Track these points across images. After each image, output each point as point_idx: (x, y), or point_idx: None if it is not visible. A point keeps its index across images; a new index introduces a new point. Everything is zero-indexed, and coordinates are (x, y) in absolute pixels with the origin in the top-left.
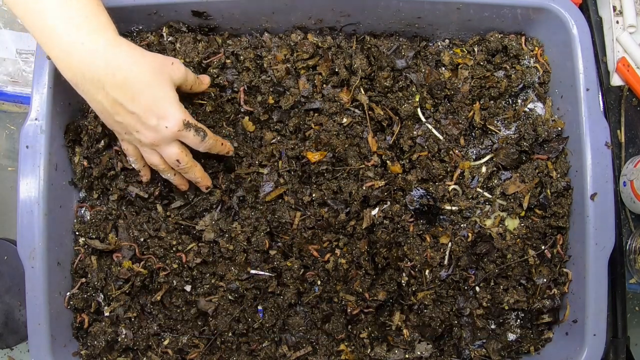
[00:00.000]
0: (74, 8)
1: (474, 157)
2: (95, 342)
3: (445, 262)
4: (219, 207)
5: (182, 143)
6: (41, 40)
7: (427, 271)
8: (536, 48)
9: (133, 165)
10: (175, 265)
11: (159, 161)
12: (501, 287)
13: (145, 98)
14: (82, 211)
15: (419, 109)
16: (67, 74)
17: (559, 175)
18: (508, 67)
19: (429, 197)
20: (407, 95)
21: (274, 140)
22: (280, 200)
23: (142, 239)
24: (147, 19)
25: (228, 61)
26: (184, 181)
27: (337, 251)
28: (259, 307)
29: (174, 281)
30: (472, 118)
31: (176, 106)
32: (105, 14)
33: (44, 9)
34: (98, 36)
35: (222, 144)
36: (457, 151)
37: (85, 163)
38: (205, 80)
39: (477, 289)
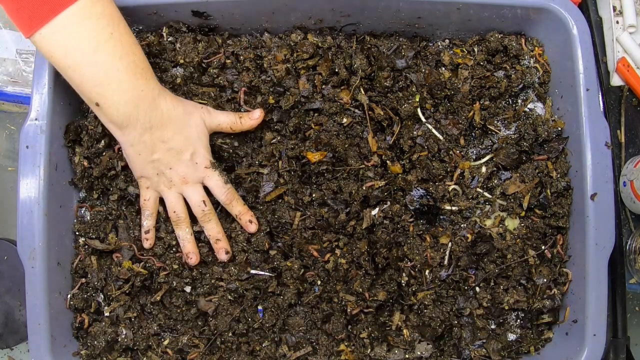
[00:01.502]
0: (136, 57)
1: (474, 157)
2: (95, 342)
3: (445, 262)
4: (219, 207)
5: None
6: (96, 90)
7: (427, 271)
8: (536, 48)
9: (143, 224)
10: (175, 266)
11: (182, 208)
12: (501, 287)
13: (184, 135)
14: (82, 211)
15: (419, 109)
16: (119, 118)
17: (559, 175)
18: (508, 67)
19: (429, 197)
20: (407, 95)
21: (274, 140)
22: (280, 200)
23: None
24: (147, 19)
25: (228, 61)
26: (196, 249)
27: (337, 251)
28: (259, 307)
29: (174, 281)
30: (472, 118)
31: (205, 146)
32: (146, 59)
33: (106, 61)
34: (154, 83)
35: (243, 205)
36: (457, 151)
37: (85, 163)
38: (253, 115)
39: (477, 289)
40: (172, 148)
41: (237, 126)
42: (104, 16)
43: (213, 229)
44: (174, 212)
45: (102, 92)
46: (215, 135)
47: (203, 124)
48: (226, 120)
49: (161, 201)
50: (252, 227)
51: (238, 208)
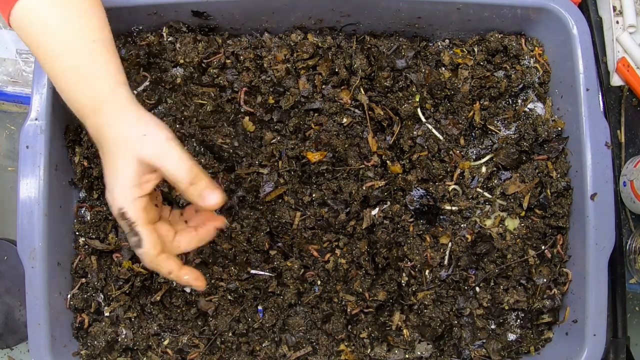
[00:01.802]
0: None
1: (474, 157)
2: (95, 342)
3: (445, 262)
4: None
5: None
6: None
7: (427, 271)
8: (536, 48)
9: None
10: None
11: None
12: (501, 287)
13: (106, 169)
14: (82, 211)
15: (419, 109)
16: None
17: (559, 175)
18: (508, 67)
19: (429, 197)
20: (407, 95)
21: (274, 140)
22: (280, 200)
23: None
24: (147, 19)
25: (228, 61)
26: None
27: (337, 251)
28: (259, 307)
29: (173, 282)
30: (472, 118)
31: (120, 189)
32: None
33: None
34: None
35: (178, 268)
36: (457, 151)
37: (85, 163)
38: (210, 197)
39: (477, 289)
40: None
41: (180, 187)
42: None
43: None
44: None
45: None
46: (215, 135)
47: (133, 153)
48: (172, 165)
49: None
50: (199, 284)
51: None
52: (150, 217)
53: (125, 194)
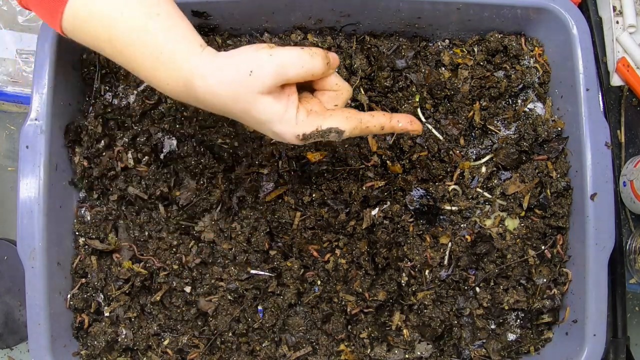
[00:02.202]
0: (151, 38)
1: (474, 157)
2: (95, 342)
3: (445, 262)
4: (219, 207)
5: None
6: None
7: (427, 271)
8: (536, 48)
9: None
10: (175, 266)
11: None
12: (501, 287)
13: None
14: (82, 211)
15: (419, 109)
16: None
17: (559, 175)
18: (508, 67)
19: (429, 197)
20: (407, 95)
21: (273, 140)
22: (280, 200)
23: (142, 240)
24: None
25: None
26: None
27: (337, 251)
28: (259, 307)
29: (173, 282)
30: (472, 118)
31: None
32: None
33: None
34: (176, 68)
35: (388, 120)
36: (457, 151)
37: (85, 163)
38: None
39: (477, 289)
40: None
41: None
42: None
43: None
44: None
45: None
46: (215, 135)
47: (258, 96)
48: (297, 62)
49: (161, 199)
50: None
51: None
52: (318, 108)
53: (286, 125)
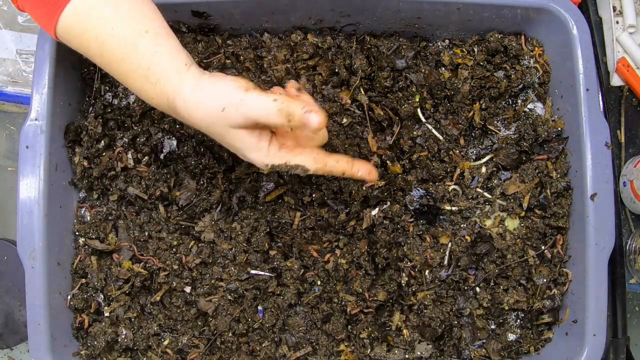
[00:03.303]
0: (137, 57)
1: (474, 157)
2: (95, 342)
3: (445, 262)
4: (219, 208)
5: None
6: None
7: (427, 271)
8: (536, 48)
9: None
10: (175, 266)
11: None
12: (501, 287)
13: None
14: (82, 211)
15: (419, 109)
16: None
17: (559, 176)
18: (508, 67)
19: (429, 197)
20: (407, 96)
21: None
22: (280, 200)
23: (142, 240)
24: None
25: (228, 61)
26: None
27: (337, 251)
28: (259, 307)
29: (173, 282)
30: (472, 118)
31: (227, 141)
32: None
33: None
34: (160, 87)
35: (350, 167)
36: (457, 151)
37: (85, 163)
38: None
39: (477, 289)
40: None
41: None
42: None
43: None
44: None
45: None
46: None
47: (230, 129)
48: (263, 113)
49: (161, 199)
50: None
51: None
52: (291, 144)
53: (258, 154)
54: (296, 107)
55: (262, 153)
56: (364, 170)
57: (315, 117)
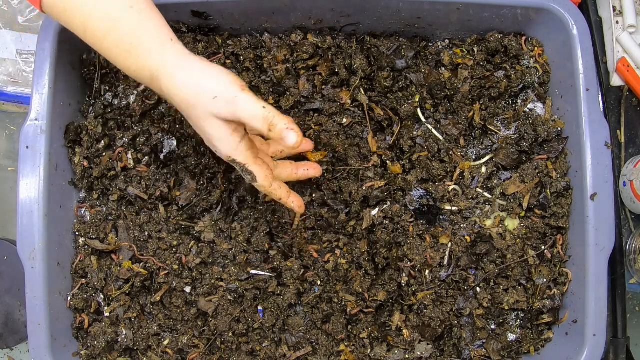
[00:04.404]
0: (121, 32)
1: (474, 157)
2: (96, 342)
3: (445, 262)
4: (219, 208)
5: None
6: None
7: (427, 271)
8: (536, 48)
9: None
10: (175, 266)
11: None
12: (501, 287)
13: (193, 122)
14: (82, 211)
15: (419, 109)
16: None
17: (559, 176)
18: (508, 67)
19: (429, 197)
20: (407, 96)
21: None
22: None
23: (142, 240)
24: None
25: (228, 61)
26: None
27: (337, 251)
28: (259, 307)
29: (173, 282)
30: (472, 118)
31: (209, 132)
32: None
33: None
34: (143, 61)
35: (287, 196)
36: (457, 151)
37: (85, 163)
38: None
39: (477, 289)
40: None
41: (275, 134)
42: None
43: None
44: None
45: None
46: None
47: (211, 116)
48: (249, 115)
49: (161, 199)
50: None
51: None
52: (256, 152)
53: (226, 145)
54: (280, 121)
55: (230, 146)
56: (296, 203)
57: (294, 135)
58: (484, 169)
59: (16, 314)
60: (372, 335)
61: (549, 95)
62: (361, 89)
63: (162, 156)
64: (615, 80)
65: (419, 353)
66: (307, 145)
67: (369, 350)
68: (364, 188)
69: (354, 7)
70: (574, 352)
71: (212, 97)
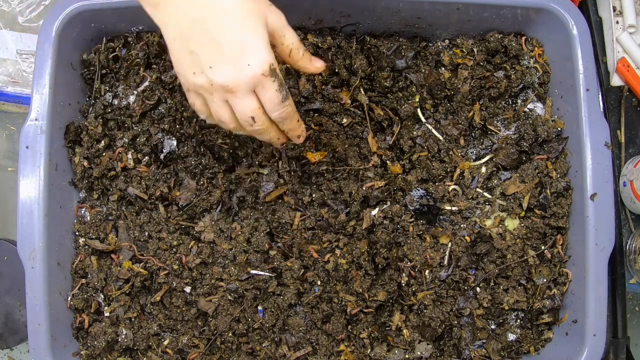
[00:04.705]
0: None
1: (473, 157)
2: (96, 342)
3: (445, 262)
4: (219, 208)
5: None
6: None
7: (427, 271)
8: (536, 48)
9: (207, 121)
10: (175, 266)
11: (229, 117)
12: (501, 287)
13: (232, 26)
14: (82, 211)
15: (419, 109)
16: None
17: (559, 176)
18: (508, 68)
19: (429, 197)
20: (407, 96)
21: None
22: (280, 201)
23: (142, 240)
24: (148, 19)
25: None
26: (277, 135)
27: (337, 251)
28: (259, 307)
29: (173, 282)
30: (472, 118)
31: (265, 45)
32: None
33: None
34: None
35: (298, 120)
36: (457, 151)
37: (85, 163)
38: (316, 63)
39: (477, 289)
40: (213, 38)
41: (297, 56)
42: None
43: (268, 137)
44: (220, 120)
45: None
46: (215, 135)
47: (263, 18)
48: (290, 35)
49: (161, 199)
50: (300, 140)
51: (289, 126)
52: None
53: (270, 50)
54: (309, 52)
55: (269, 48)
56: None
57: (320, 62)
58: (484, 169)
59: (16, 314)
60: (372, 335)
61: (549, 95)
62: (361, 89)
63: (162, 156)
64: (615, 80)
65: (419, 353)
66: (318, 63)
67: (369, 350)
68: (364, 188)
69: (354, 7)
70: (574, 352)
71: (268, 5)
